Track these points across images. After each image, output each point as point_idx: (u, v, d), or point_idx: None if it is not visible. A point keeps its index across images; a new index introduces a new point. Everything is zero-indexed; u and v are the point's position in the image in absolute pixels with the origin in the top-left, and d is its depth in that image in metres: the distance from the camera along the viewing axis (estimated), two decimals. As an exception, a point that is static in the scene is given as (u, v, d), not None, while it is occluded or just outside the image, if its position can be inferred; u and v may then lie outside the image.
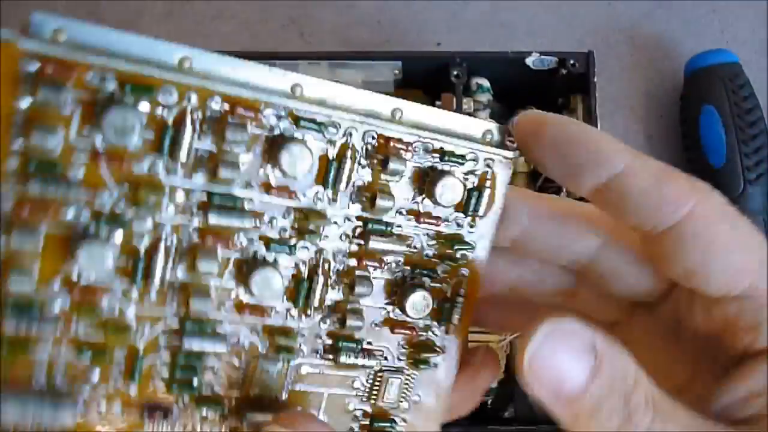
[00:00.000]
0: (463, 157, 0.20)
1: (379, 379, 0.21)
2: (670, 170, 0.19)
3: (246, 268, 0.19)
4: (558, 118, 0.20)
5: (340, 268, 0.20)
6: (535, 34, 0.50)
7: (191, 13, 0.50)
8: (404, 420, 0.21)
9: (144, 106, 0.17)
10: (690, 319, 0.21)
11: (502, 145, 0.20)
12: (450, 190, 0.20)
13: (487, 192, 0.20)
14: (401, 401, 0.21)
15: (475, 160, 0.20)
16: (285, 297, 0.20)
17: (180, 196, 0.18)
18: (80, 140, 0.17)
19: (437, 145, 0.20)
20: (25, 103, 0.16)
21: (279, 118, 0.18)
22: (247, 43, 0.50)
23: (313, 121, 0.19)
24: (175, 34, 0.49)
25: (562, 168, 0.20)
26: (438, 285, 0.21)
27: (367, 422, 0.21)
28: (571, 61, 0.42)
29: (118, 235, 0.18)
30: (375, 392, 0.21)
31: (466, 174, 0.20)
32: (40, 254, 0.17)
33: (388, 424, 0.21)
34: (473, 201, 0.20)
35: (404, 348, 0.21)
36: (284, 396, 0.20)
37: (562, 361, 0.18)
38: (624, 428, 0.18)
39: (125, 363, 0.18)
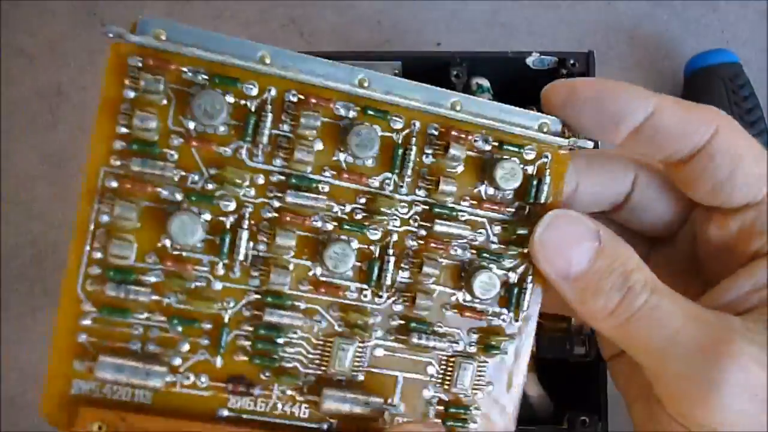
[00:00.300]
0: (521, 146, 0.21)
1: (451, 364, 0.22)
2: (689, 102, 0.22)
3: (320, 246, 0.20)
4: (584, 79, 0.23)
5: (409, 249, 0.21)
6: (535, 34, 0.50)
7: (191, 13, 0.50)
8: (478, 408, 0.22)
9: (230, 97, 0.19)
10: (705, 240, 0.23)
11: (559, 135, 0.22)
12: (510, 176, 0.21)
13: (547, 180, 0.22)
14: (474, 389, 0.22)
15: (534, 150, 0.21)
16: (357, 277, 0.21)
17: (261, 178, 0.20)
18: (175, 126, 0.19)
19: (496, 134, 0.21)
20: (131, 92, 0.19)
21: (348, 108, 0.20)
22: (247, 43, 0.50)
23: (379, 110, 0.20)
24: (175, 34, 0.49)
25: (597, 123, 0.22)
26: (504, 272, 0.22)
27: (443, 408, 0.22)
28: (571, 61, 0.42)
29: (207, 213, 0.20)
30: (448, 378, 0.22)
31: (525, 163, 0.21)
32: (138, 227, 0.19)
33: (462, 411, 0.22)
34: (533, 188, 0.21)
35: (474, 333, 0.22)
36: (361, 377, 0.21)
37: (569, 241, 0.21)
38: (622, 303, 0.20)
39: (212, 335, 0.20)
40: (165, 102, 0.19)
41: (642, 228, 0.24)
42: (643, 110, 0.21)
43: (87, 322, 0.19)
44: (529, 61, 0.43)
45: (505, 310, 0.22)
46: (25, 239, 0.48)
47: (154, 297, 0.20)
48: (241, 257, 0.20)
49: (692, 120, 0.21)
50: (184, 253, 0.20)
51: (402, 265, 0.21)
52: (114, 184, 0.19)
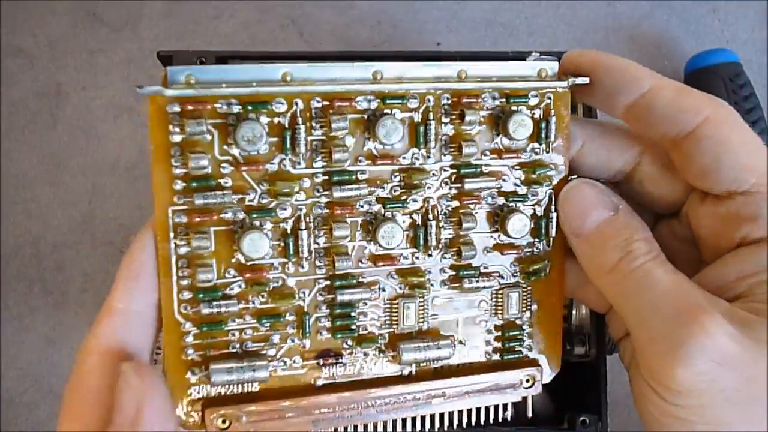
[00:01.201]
0: (525, 95, 0.24)
1: (500, 295, 0.25)
2: (688, 87, 0.23)
3: (371, 227, 0.23)
4: (593, 52, 0.24)
5: (447, 210, 0.24)
6: (535, 34, 0.50)
7: (191, 13, 0.50)
8: (530, 325, 0.25)
9: (264, 119, 0.22)
10: (697, 221, 0.24)
11: (557, 78, 0.24)
12: (520, 126, 0.23)
13: (553, 120, 0.24)
14: (523, 310, 0.25)
15: (537, 95, 0.24)
16: (408, 244, 0.24)
17: (306, 182, 0.22)
18: (223, 156, 0.22)
19: (502, 90, 0.23)
20: (177, 137, 0.21)
21: (369, 101, 0.22)
22: (247, 43, 0.50)
23: (395, 96, 0.23)
24: (174, 34, 0.49)
25: (599, 92, 0.23)
26: (531, 207, 0.25)
27: (499, 333, 0.25)
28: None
29: (268, 223, 0.22)
30: (500, 307, 0.25)
31: (532, 109, 0.24)
32: (214, 250, 0.22)
33: (516, 332, 0.25)
34: (543, 130, 0.24)
35: (515, 265, 0.25)
36: (427, 326, 0.24)
37: (589, 205, 0.23)
38: (621, 262, 0.22)
39: (296, 323, 0.23)
40: (209, 137, 0.21)
41: (648, 202, 0.25)
42: (640, 86, 0.23)
43: (189, 339, 0.22)
44: (529, 61, 0.43)
45: (537, 240, 0.25)
46: (25, 239, 0.48)
47: (241, 305, 0.22)
48: (305, 254, 0.23)
49: (684, 104, 0.22)
50: (257, 263, 0.22)
51: (443, 225, 0.24)
52: (184, 219, 0.22)
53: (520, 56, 0.42)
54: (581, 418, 0.33)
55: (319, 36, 0.50)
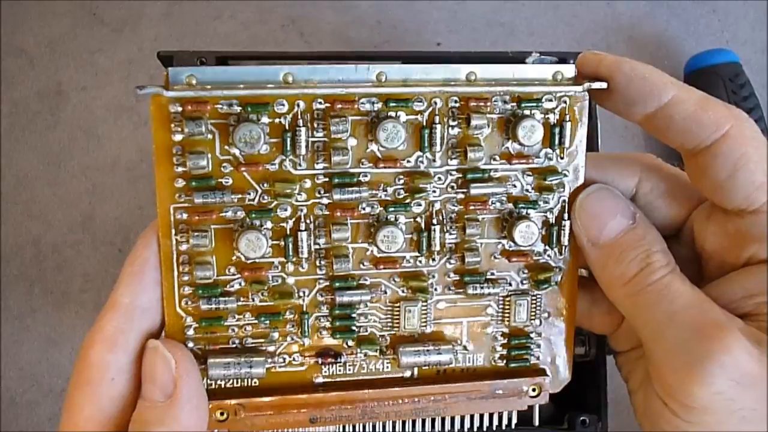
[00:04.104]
0: (538, 99, 0.23)
1: (508, 302, 0.24)
2: (712, 99, 0.22)
3: (373, 229, 0.23)
4: (613, 57, 0.23)
5: (451, 215, 0.23)
6: (535, 34, 0.50)
7: (191, 13, 0.50)
8: (539, 334, 0.25)
9: (264, 119, 0.21)
10: (703, 239, 0.24)
11: (574, 82, 0.23)
12: (531, 132, 0.23)
13: (568, 125, 0.23)
14: (533, 318, 0.24)
15: (552, 99, 0.23)
16: (410, 247, 0.23)
17: (308, 182, 0.22)
18: (223, 156, 0.22)
19: (513, 94, 0.23)
20: (179, 137, 0.21)
21: (372, 103, 0.22)
22: (247, 44, 0.50)
23: (399, 99, 0.22)
24: (174, 35, 0.49)
25: (618, 99, 0.22)
26: (543, 214, 0.24)
27: (506, 341, 0.25)
28: (571, 61, 0.42)
29: (268, 222, 0.22)
30: (507, 314, 0.24)
31: (546, 113, 0.23)
32: (213, 248, 0.22)
33: (524, 339, 0.25)
34: (557, 135, 0.23)
35: (525, 273, 0.24)
36: (429, 330, 0.24)
37: (606, 213, 0.23)
38: (639, 275, 0.22)
39: (296, 321, 0.23)
40: (210, 137, 0.21)
41: None
42: (661, 96, 0.22)
43: (191, 333, 0.23)
44: (529, 61, 0.43)
45: (548, 247, 0.24)
46: (25, 239, 0.48)
47: (241, 302, 0.23)
48: (305, 254, 0.22)
49: (706, 116, 0.22)
50: (257, 261, 0.22)
51: (448, 229, 0.23)
52: (184, 217, 0.22)
53: (520, 56, 0.42)
54: (581, 418, 0.33)
55: (319, 36, 0.50)
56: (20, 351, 0.47)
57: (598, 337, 0.32)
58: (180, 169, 0.21)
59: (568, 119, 0.23)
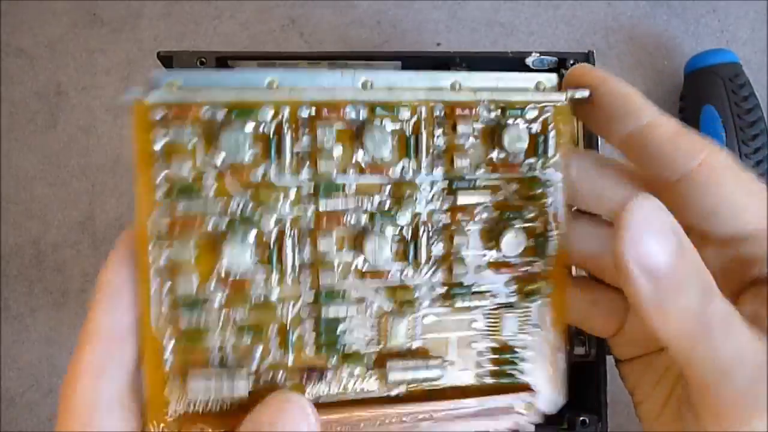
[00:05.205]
0: (522, 108, 0.23)
1: (495, 316, 0.24)
2: (687, 128, 0.21)
3: (358, 241, 0.22)
4: (599, 72, 0.22)
5: (438, 225, 0.23)
6: (535, 34, 0.50)
7: (191, 13, 0.50)
8: (528, 348, 0.24)
9: (249, 126, 0.21)
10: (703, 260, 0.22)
11: (556, 91, 0.23)
12: (516, 140, 0.23)
13: (552, 134, 0.23)
14: (521, 332, 0.24)
15: (535, 108, 0.23)
16: (397, 259, 0.23)
17: (293, 192, 0.22)
18: (206, 163, 0.21)
19: (497, 103, 0.23)
20: (159, 144, 0.20)
21: (358, 111, 0.22)
22: (247, 44, 0.50)
23: (385, 107, 0.22)
24: (174, 35, 0.49)
25: (596, 117, 0.22)
26: (529, 224, 0.23)
27: (494, 356, 0.24)
28: (571, 61, 0.41)
29: (252, 233, 0.21)
30: (495, 328, 0.24)
31: (529, 122, 0.23)
32: (195, 260, 0.21)
33: (510, 355, 0.24)
34: (540, 144, 0.23)
35: (512, 285, 0.24)
36: (416, 345, 0.23)
37: (651, 228, 0.19)
38: (701, 306, 0.19)
39: (279, 337, 0.22)
40: (193, 143, 0.21)
41: None
42: (638, 119, 0.21)
43: (168, 352, 0.21)
44: (529, 61, 0.43)
45: (536, 258, 0.23)
46: (25, 239, 0.48)
47: (222, 317, 0.22)
48: (289, 267, 0.22)
49: (681, 145, 0.21)
50: (239, 276, 0.21)
51: (434, 240, 0.23)
52: (164, 227, 0.21)
53: (520, 56, 0.43)
54: (581, 418, 0.33)
55: (319, 36, 0.50)
56: (20, 351, 0.47)
57: (598, 338, 0.32)
58: (160, 177, 0.21)
59: (551, 129, 0.23)
